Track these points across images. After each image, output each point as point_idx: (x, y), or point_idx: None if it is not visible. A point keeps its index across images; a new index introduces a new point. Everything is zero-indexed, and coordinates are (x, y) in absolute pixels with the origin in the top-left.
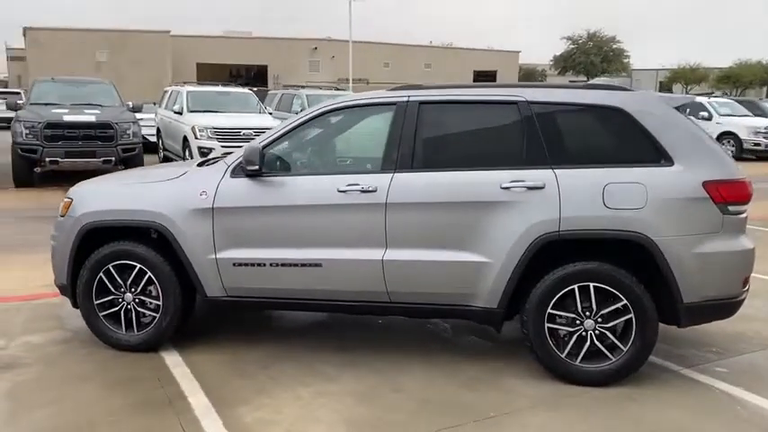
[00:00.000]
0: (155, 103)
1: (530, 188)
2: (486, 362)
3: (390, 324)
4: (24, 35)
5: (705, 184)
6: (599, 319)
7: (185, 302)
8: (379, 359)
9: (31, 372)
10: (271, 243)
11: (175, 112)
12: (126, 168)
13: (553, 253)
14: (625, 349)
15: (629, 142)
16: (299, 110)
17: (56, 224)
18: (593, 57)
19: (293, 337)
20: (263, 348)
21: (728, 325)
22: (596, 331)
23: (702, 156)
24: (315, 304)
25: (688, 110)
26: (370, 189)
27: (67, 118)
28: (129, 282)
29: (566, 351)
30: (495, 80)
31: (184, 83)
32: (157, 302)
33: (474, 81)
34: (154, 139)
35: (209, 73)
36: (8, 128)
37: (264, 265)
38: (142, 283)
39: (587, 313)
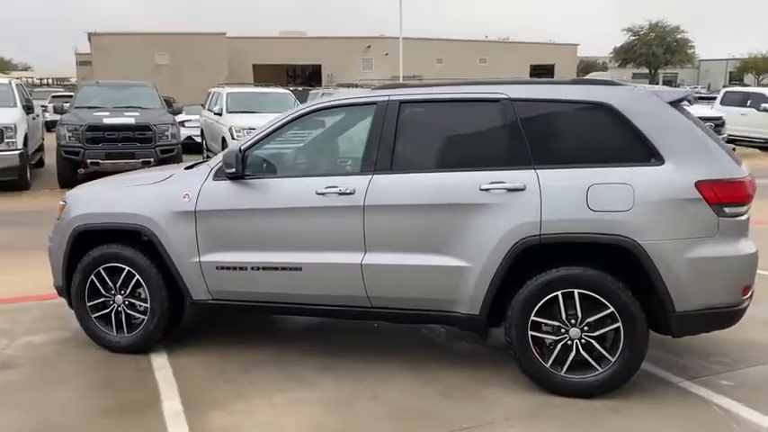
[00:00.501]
0: (202, 105)
1: (510, 190)
2: (473, 370)
3: (383, 328)
4: (89, 40)
5: (698, 184)
6: (585, 328)
7: (173, 305)
8: (364, 365)
9: (22, 372)
10: (252, 246)
11: (215, 113)
12: None
13: (536, 258)
14: (613, 360)
15: (616, 140)
16: None
17: (54, 227)
18: (654, 48)
19: (283, 341)
20: (251, 352)
21: (745, 333)
22: (582, 340)
23: (697, 154)
24: (296, 308)
25: (691, 103)
26: (348, 191)
27: (107, 121)
28: (118, 284)
29: (550, 360)
30: (552, 74)
31: (240, 83)
32: (146, 305)
33: (531, 76)
34: (199, 139)
35: (267, 74)
36: None
37: (246, 268)
38: (131, 286)
39: (572, 321)
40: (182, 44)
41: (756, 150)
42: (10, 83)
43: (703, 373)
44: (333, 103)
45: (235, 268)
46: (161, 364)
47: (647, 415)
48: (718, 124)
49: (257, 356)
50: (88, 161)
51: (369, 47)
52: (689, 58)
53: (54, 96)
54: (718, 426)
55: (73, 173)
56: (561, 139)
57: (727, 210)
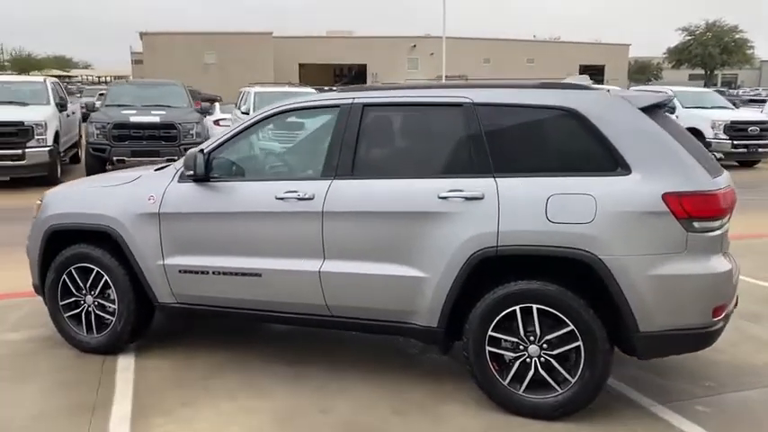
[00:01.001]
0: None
1: (468, 198)
2: (437, 384)
3: (356, 338)
4: (141, 39)
5: (665, 197)
6: (544, 346)
7: (141, 308)
8: (326, 375)
9: None
10: (213, 250)
11: (242, 113)
12: None
13: (495, 270)
14: (572, 381)
15: (581, 148)
16: None
17: (31, 225)
18: (711, 48)
19: (253, 347)
20: (218, 356)
21: (742, 354)
22: (541, 358)
23: (666, 164)
24: (256, 315)
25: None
26: (307, 197)
27: (134, 119)
28: (88, 284)
29: (508, 378)
30: (602, 75)
31: (288, 83)
32: (114, 306)
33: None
34: None
35: (313, 73)
36: None
37: (208, 272)
38: (100, 287)
39: (531, 338)
40: (229, 43)
41: None
42: (44, 81)
43: (681, 397)
44: (297, 105)
45: (197, 272)
46: (125, 365)
47: None
48: (764, 129)
49: (222, 361)
50: (114, 158)
51: (414, 46)
52: (747, 58)
53: (101, 94)
54: None
55: (100, 169)
56: (524, 145)
57: (696, 224)
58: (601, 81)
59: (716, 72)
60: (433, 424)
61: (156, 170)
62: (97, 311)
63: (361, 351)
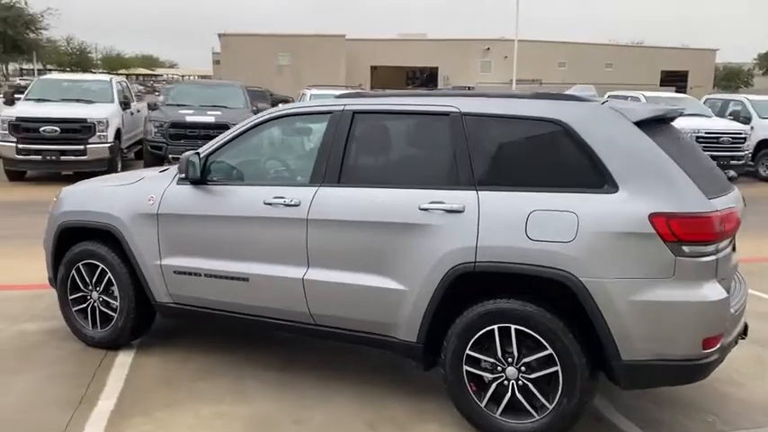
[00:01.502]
0: None
1: (448, 211)
2: (420, 401)
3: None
4: (220, 40)
5: (652, 217)
6: (522, 368)
7: (141, 306)
8: (313, 384)
9: None
10: (205, 253)
11: None
12: None
13: (474, 286)
14: (550, 407)
15: (568, 162)
16: None
17: (47, 221)
18: None
19: (253, 350)
20: (215, 358)
21: (763, 389)
22: (519, 382)
23: (656, 182)
24: (244, 319)
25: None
26: (294, 203)
27: (190, 118)
28: (94, 281)
29: (485, 400)
30: (686, 82)
31: (359, 86)
32: (117, 303)
33: (662, 83)
34: None
35: (385, 75)
36: None
37: (200, 275)
38: (104, 283)
39: (509, 360)
40: (302, 45)
41: None
42: (110, 80)
43: None
44: (291, 111)
45: (190, 274)
46: (123, 362)
47: None
48: None
49: (216, 364)
50: (170, 156)
51: (488, 49)
52: None
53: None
54: None
55: (158, 167)
56: (509, 158)
57: (686, 249)
58: (683, 89)
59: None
60: None
61: (160, 171)
62: (102, 307)
63: (353, 362)
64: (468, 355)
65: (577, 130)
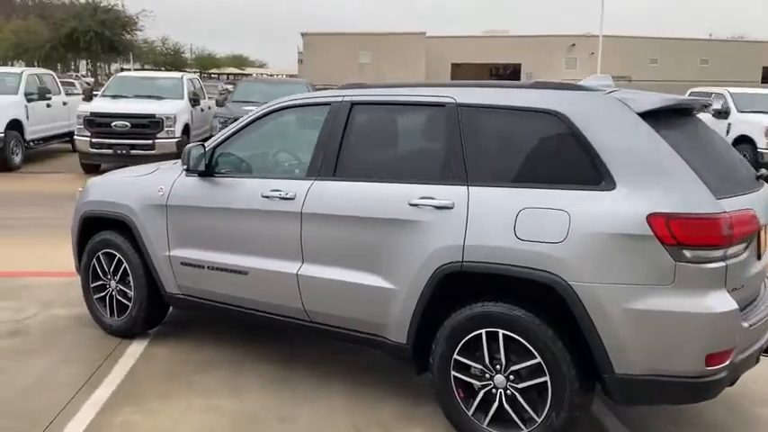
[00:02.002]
0: None
1: (438, 207)
2: (413, 405)
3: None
4: (302, 39)
5: (650, 218)
6: (510, 377)
7: (153, 296)
8: (308, 381)
9: (21, 341)
10: (208, 245)
11: None
12: None
13: (464, 286)
14: (538, 420)
15: (565, 157)
16: None
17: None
18: None
19: (259, 343)
20: (221, 351)
21: None
22: (508, 391)
23: (658, 179)
24: (243, 313)
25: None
26: (289, 196)
27: None
28: (112, 270)
29: (473, 408)
30: None
31: None
32: (131, 292)
33: (763, 79)
34: None
35: (466, 73)
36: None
37: (203, 267)
38: (120, 273)
39: (497, 367)
40: (383, 44)
41: None
42: (182, 78)
43: None
44: (293, 102)
45: (195, 265)
46: (133, 351)
47: None
48: None
49: (220, 357)
50: None
51: (573, 45)
52: None
53: (227, 90)
54: None
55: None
56: (503, 151)
57: (687, 254)
58: None
59: None
60: None
61: (173, 163)
62: (118, 297)
63: (353, 360)
64: (455, 359)
65: (575, 122)
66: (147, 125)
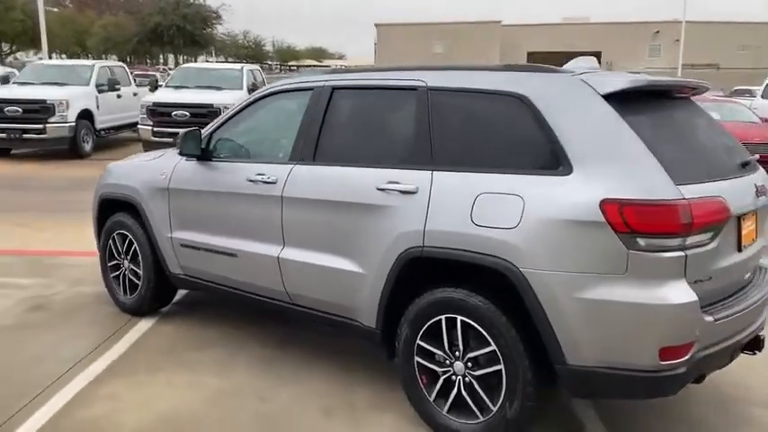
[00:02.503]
0: None
1: (403, 192)
2: (392, 389)
3: None
4: (377, 30)
5: (603, 204)
6: (469, 364)
7: (160, 276)
8: (298, 362)
9: (43, 315)
10: (203, 228)
11: None
12: None
13: (424, 272)
14: (493, 410)
15: (527, 141)
16: None
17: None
18: None
19: (262, 324)
20: (224, 330)
21: None
22: (466, 378)
23: (614, 163)
24: (239, 295)
25: None
26: (271, 180)
27: None
28: (124, 250)
29: (434, 394)
30: None
31: None
32: (141, 272)
33: None
34: None
35: (543, 61)
36: None
37: (199, 248)
38: (131, 253)
39: (456, 354)
40: (457, 33)
41: None
42: (242, 69)
43: None
44: (282, 87)
45: (192, 247)
46: (141, 328)
47: None
48: None
49: (221, 335)
50: None
51: (657, 32)
52: None
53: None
54: None
55: None
56: (468, 135)
57: (641, 242)
58: None
59: None
60: (345, 429)
61: None
62: (130, 276)
63: (345, 344)
64: (419, 345)
65: (538, 105)
66: (205, 114)
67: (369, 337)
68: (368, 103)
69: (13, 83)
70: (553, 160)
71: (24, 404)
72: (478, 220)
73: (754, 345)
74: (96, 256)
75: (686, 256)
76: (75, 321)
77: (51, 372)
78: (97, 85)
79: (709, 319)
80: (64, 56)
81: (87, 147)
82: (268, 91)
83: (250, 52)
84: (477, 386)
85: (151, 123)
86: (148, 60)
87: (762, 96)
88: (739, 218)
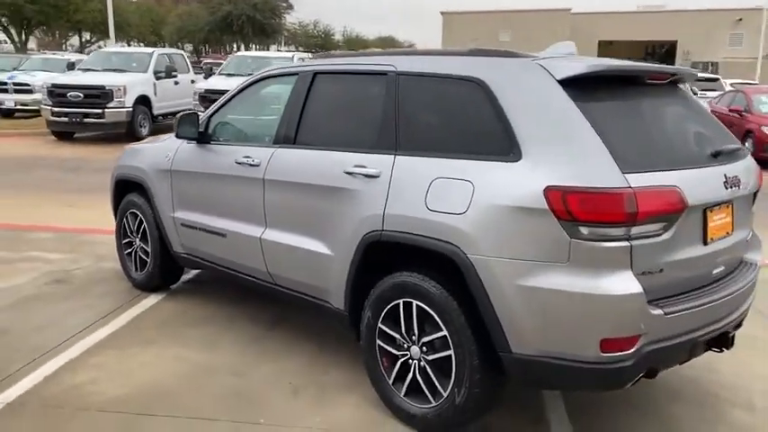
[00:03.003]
0: None
1: (367, 176)
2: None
3: None
4: (442, 18)
5: (547, 191)
6: (423, 348)
7: (166, 254)
8: (284, 340)
9: (63, 288)
10: (199, 208)
11: None
12: None
13: (385, 256)
14: (444, 395)
15: (483, 125)
16: None
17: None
18: None
19: (259, 303)
20: (223, 308)
21: None
22: (421, 363)
23: (561, 150)
24: (231, 274)
25: None
26: (255, 163)
27: None
28: (135, 228)
29: (392, 377)
30: None
31: None
32: (149, 249)
33: None
34: None
35: (615, 51)
36: None
37: (196, 228)
38: (141, 232)
39: (413, 338)
40: (524, 21)
41: None
42: (292, 57)
43: None
44: (272, 72)
45: (190, 227)
46: (146, 303)
47: None
48: None
49: (218, 313)
50: None
51: (740, 20)
52: None
53: None
54: None
55: None
56: (429, 120)
57: (584, 230)
58: None
59: None
60: (310, 410)
61: None
62: (140, 253)
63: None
64: (380, 328)
65: (493, 90)
66: None
67: (339, 319)
68: (343, 88)
69: (78, 69)
70: (505, 146)
71: (18, 368)
72: (432, 205)
73: (721, 342)
74: None
75: (631, 246)
76: (89, 294)
77: (52, 340)
78: (155, 72)
79: (658, 312)
80: (141, 45)
81: (144, 131)
82: (259, 76)
83: (319, 42)
84: (430, 371)
85: (202, 110)
86: (224, 49)
87: None
88: (705, 210)
